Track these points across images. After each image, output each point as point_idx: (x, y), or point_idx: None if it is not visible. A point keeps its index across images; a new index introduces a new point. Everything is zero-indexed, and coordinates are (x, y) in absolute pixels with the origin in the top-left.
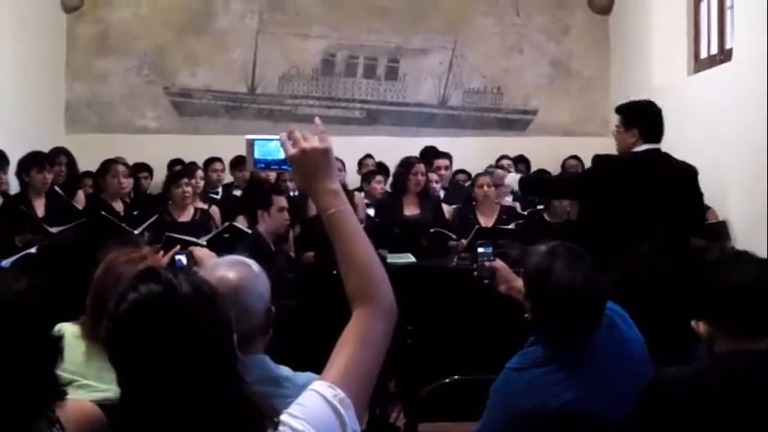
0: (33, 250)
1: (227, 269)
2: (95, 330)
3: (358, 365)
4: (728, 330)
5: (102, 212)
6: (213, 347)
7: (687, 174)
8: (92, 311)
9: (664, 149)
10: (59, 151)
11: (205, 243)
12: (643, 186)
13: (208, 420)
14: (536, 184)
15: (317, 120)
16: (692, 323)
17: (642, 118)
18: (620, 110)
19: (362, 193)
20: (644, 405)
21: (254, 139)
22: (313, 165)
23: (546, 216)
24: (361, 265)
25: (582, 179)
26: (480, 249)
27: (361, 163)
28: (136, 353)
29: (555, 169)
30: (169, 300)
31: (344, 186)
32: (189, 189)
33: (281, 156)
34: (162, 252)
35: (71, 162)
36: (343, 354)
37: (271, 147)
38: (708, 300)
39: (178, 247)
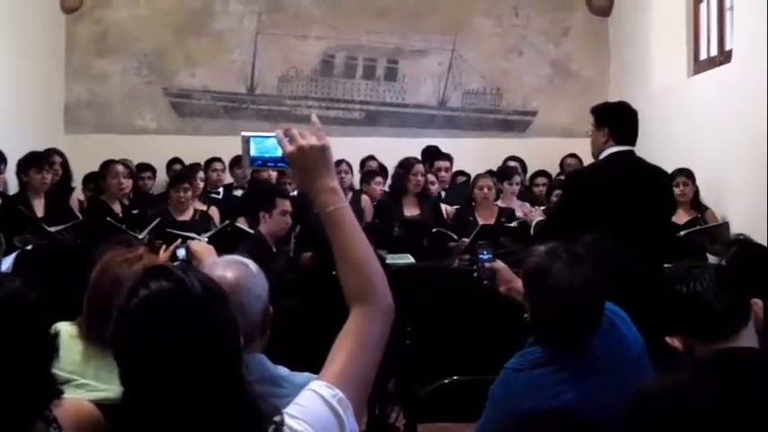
0: (29, 248)
1: (224, 268)
2: (93, 330)
3: (356, 365)
4: (706, 336)
5: (107, 218)
6: (221, 346)
7: (656, 181)
8: (89, 312)
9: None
10: (53, 152)
11: (206, 239)
12: (608, 195)
13: (212, 420)
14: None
15: (313, 117)
16: (667, 339)
17: (612, 118)
18: (594, 110)
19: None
20: (633, 419)
21: (249, 137)
22: (311, 162)
23: None
24: (359, 264)
25: (567, 203)
26: (480, 250)
27: (363, 164)
28: (145, 349)
29: (554, 170)
30: (181, 297)
31: (351, 188)
32: (188, 194)
33: (279, 153)
34: (164, 248)
35: (65, 162)
36: (340, 353)
37: (267, 144)
38: (677, 314)
39: (179, 241)
